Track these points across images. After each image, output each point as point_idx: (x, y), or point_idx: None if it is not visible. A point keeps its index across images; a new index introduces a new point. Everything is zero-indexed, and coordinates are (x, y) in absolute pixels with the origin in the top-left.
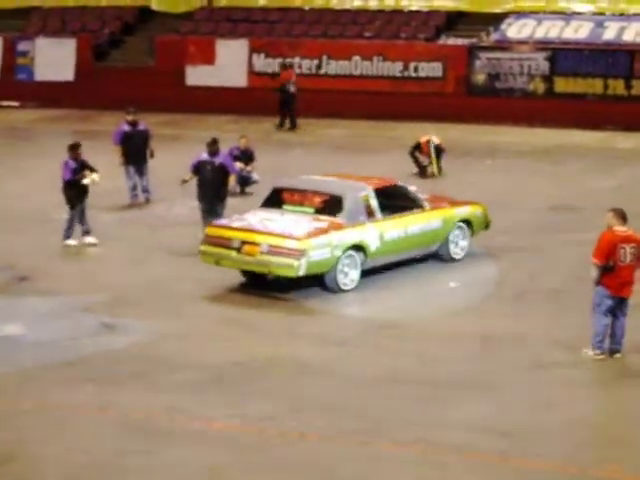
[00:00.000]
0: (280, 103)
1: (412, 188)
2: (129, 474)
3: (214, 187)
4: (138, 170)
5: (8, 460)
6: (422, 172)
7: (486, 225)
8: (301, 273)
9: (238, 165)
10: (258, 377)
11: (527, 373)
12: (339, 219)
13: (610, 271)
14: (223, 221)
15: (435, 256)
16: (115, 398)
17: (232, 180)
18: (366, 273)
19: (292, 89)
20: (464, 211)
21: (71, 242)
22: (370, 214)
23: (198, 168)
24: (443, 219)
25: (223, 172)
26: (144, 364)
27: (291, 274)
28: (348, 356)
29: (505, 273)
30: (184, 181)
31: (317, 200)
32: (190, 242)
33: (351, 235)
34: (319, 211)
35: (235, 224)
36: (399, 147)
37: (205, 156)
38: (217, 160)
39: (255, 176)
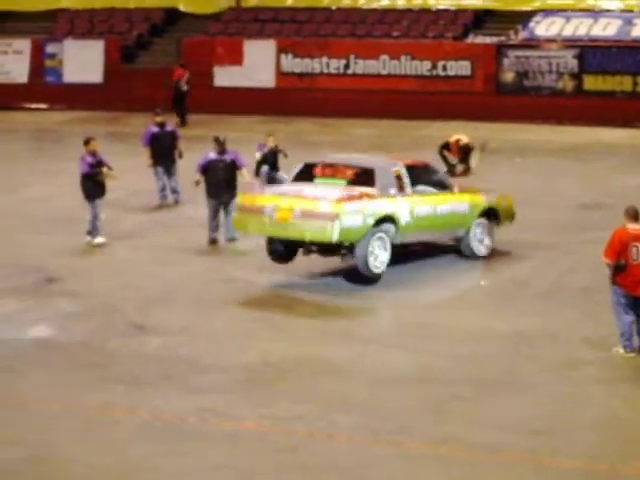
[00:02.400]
0: (173, 100)
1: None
2: (159, 476)
3: (228, 184)
4: (167, 171)
5: (37, 462)
6: (451, 171)
7: (512, 217)
8: (334, 237)
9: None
10: (287, 377)
11: (558, 371)
12: (371, 190)
13: (622, 270)
14: (256, 190)
15: (459, 253)
16: (145, 399)
17: (245, 173)
18: (393, 270)
19: (184, 87)
20: (491, 199)
21: (100, 240)
22: (401, 188)
23: (206, 168)
24: (470, 204)
25: (234, 168)
26: (174, 365)
27: (325, 238)
28: (377, 355)
29: (535, 271)
30: (197, 182)
31: (349, 173)
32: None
33: (383, 205)
34: (351, 183)
35: (267, 191)
36: (428, 146)
37: (213, 155)
38: (228, 157)
39: (284, 176)
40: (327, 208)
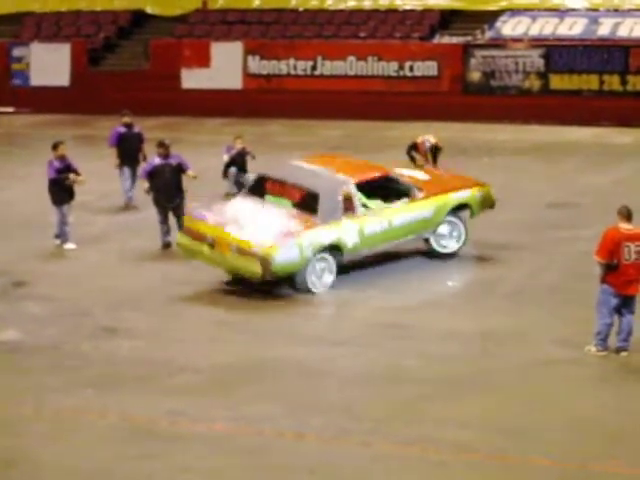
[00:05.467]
0: None
1: (405, 175)
2: (129, 478)
3: (176, 188)
4: (133, 172)
5: (8, 466)
6: None
7: (491, 205)
8: (267, 278)
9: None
10: (257, 379)
11: (528, 370)
12: (314, 218)
13: (614, 269)
14: (202, 213)
15: (427, 254)
16: (116, 402)
17: (191, 175)
18: (364, 271)
19: None
20: (461, 196)
21: (70, 246)
22: (349, 209)
23: (152, 174)
24: (436, 207)
25: (180, 172)
26: (144, 368)
27: (258, 277)
28: (346, 356)
29: (504, 271)
30: (148, 190)
31: (296, 194)
32: None
33: (324, 235)
34: (297, 205)
35: (211, 220)
36: (396, 147)
37: (158, 160)
38: (173, 161)
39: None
40: (260, 251)
